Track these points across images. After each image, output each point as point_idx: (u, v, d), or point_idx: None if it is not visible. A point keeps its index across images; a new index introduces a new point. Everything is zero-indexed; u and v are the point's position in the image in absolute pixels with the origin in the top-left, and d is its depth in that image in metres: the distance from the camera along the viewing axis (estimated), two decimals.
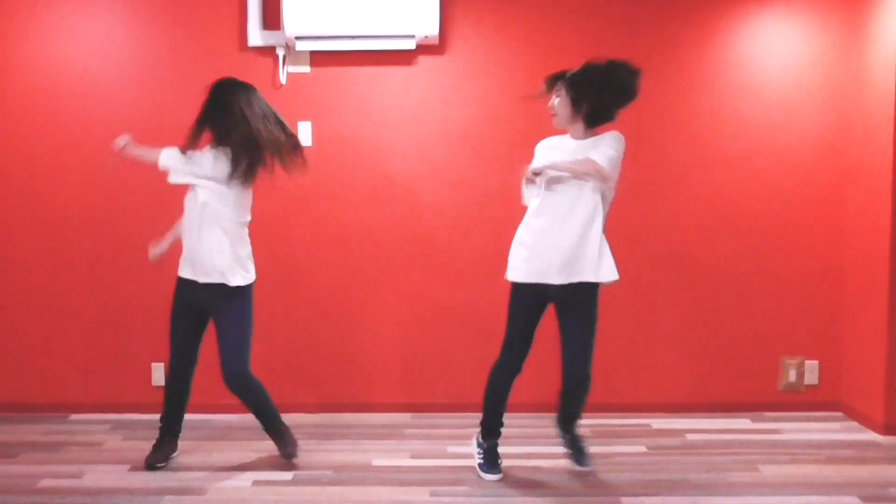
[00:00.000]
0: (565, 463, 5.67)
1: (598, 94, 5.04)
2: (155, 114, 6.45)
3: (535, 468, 5.61)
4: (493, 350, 6.59)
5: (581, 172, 4.95)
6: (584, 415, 5.60)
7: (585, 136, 5.13)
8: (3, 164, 6.68)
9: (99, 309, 6.74)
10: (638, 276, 6.60)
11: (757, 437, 6.25)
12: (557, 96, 5.13)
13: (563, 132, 5.23)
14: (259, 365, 6.43)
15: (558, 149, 5.15)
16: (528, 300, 5.27)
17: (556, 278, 5.08)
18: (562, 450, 5.79)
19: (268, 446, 5.90)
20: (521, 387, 6.63)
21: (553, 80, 5.17)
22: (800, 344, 6.78)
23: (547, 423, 6.18)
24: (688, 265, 6.67)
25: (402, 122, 6.65)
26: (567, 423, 5.57)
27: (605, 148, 4.98)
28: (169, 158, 5.37)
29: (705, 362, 6.75)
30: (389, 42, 6.44)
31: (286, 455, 5.64)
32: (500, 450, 5.72)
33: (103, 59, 6.61)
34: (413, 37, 6.40)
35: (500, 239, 6.42)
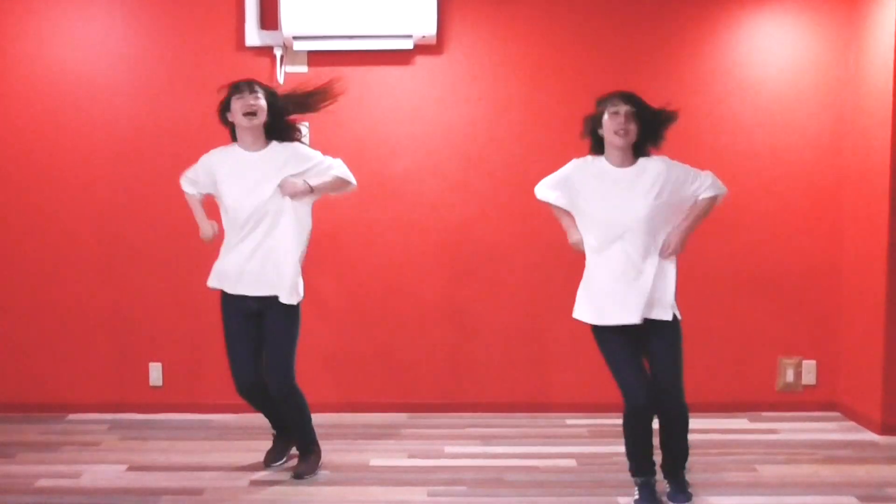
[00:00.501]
0: (562, 463, 5.68)
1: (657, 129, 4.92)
2: (153, 114, 6.45)
3: (532, 468, 5.59)
4: (491, 349, 6.61)
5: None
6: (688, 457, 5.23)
7: (627, 164, 4.87)
8: (5, 167, 6.68)
9: (97, 309, 6.73)
10: None
11: (754, 437, 6.25)
12: (627, 116, 4.76)
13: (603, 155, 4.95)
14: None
15: (607, 180, 4.85)
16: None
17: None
18: (559, 449, 5.85)
19: (265, 446, 5.89)
20: (518, 387, 6.66)
21: (626, 99, 4.80)
22: (797, 344, 6.78)
23: (544, 423, 6.21)
24: (685, 265, 6.62)
25: (400, 121, 6.65)
26: (669, 467, 5.17)
27: (693, 174, 4.98)
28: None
29: (703, 362, 6.71)
30: (387, 42, 6.43)
31: (296, 472, 5.52)
32: (499, 449, 5.80)
33: (101, 59, 6.61)
34: (410, 37, 6.40)
35: (498, 238, 6.44)
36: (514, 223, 6.55)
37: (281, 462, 5.67)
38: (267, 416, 5.68)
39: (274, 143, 5.34)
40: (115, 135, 6.54)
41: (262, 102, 5.24)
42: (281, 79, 6.53)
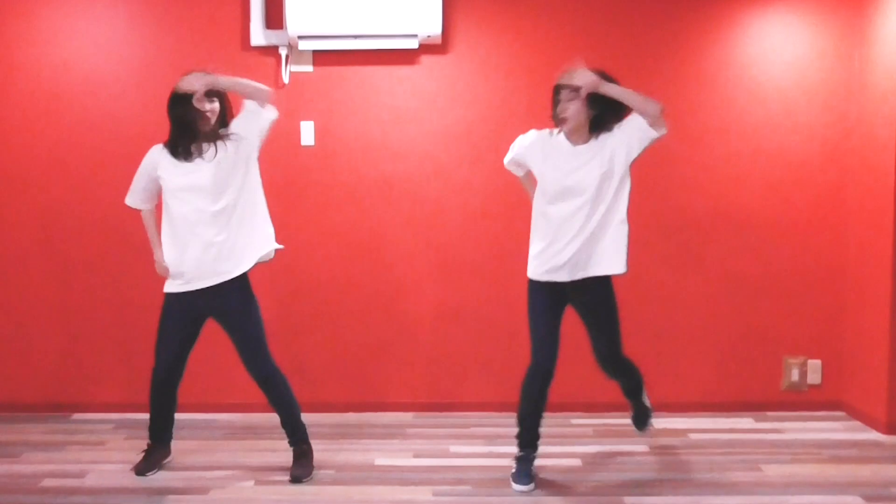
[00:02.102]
0: (567, 462, 5.68)
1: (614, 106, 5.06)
2: (157, 114, 6.40)
3: (538, 467, 5.53)
4: (495, 348, 6.61)
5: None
6: (643, 389, 5.80)
7: (581, 141, 5.14)
8: (6, 165, 6.68)
9: (102, 308, 6.73)
10: (639, 275, 6.56)
11: (759, 437, 6.23)
12: (570, 101, 5.04)
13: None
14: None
15: (562, 153, 5.16)
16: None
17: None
18: (564, 449, 5.89)
19: (270, 446, 5.95)
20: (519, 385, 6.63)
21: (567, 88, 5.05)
22: (802, 343, 6.77)
23: (549, 423, 6.15)
24: (690, 264, 6.65)
25: (405, 121, 6.64)
26: (629, 397, 5.79)
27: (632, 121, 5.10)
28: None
29: (708, 362, 6.75)
30: (392, 41, 6.42)
31: (293, 476, 5.48)
32: (504, 449, 5.76)
33: (106, 59, 6.61)
34: (416, 36, 6.39)
35: (504, 238, 6.45)
36: (518, 223, 6.52)
37: (154, 471, 5.55)
38: (156, 418, 5.65)
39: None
40: (121, 134, 6.54)
41: (217, 106, 5.33)
42: (286, 78, 6.54)
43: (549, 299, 5.26)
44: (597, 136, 5.11)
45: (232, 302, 5.35)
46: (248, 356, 5.43)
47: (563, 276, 5.15)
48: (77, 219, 6.68)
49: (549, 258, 5.15)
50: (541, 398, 5.34)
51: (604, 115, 5.07)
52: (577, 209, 5.08)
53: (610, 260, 5.14)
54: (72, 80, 6.61)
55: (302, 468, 5.45)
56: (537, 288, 5.28)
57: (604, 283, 5.24)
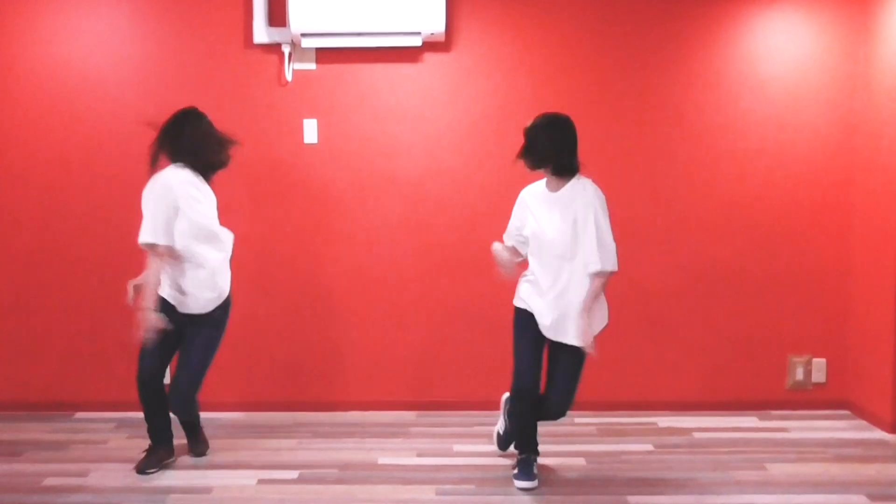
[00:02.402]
0: (571, 461, 5.67)
1: (555, 151, 5.15)
2: (160, 111, 6.39)
3: (541, 466, 5.54)
4: (499, 347, 6.58)
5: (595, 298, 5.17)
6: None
7: (558, 188, 5.21)
8: (9, 163, 6.66)
9: (104, 306, 6.70)
10: (643, 274, 6.58)
11: (764, 436, 6.22)
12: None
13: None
14: (264, 363, 6.43)
15: (543, 204, 5.27)
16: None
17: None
18: (568, 448, 5.89)
19: (273, 444, 5.94)
20: None
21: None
22: (807, 342, 6.74)
23: (553, 422, 6.16)
24: (694, 263, 6.63)
25: (408, 119, 6.62)
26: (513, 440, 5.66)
27: (595, 237, 5.08)
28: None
29: (712, 360, 6.73)
30: (395, 39, 6.41)
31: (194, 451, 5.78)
32: (508, 448, 5.75)
33: (108, 57, 6.59)
34: (419, 34, 6.37)
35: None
36: None
37: (155, 470, 5.54)
38: (149, 419, 5.62)
39: None
40: (123, 132, 6.52)
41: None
42: (289, 76, 6.52)
43: (533, 330, 5.32)
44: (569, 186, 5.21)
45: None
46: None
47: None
48: (79, 217, 6.66)
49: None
50: (530, 414, 5.42)
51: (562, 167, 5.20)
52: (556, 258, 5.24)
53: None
54: (73, 79, 6.59)
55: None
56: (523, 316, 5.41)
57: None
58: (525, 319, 5.32)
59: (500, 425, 5.79)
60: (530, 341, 5.30)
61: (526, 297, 5.33)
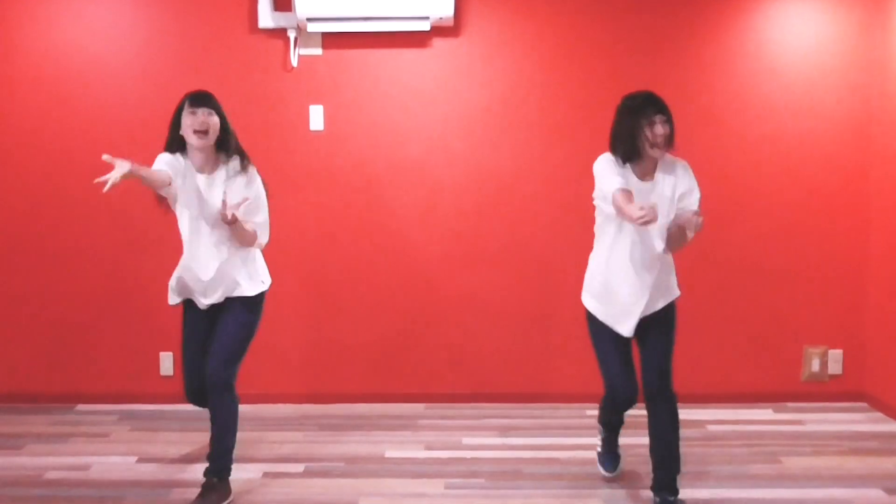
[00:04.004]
0: (582, 455, 5.62)
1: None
2: (164, 97, 6.35)
3: (552, 460, 5.54)
4: (509, 338, 6.53)
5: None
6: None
7: (648, 175, 4.72)
8: (10, 153, 6.62)
9: (107, 297, 6.68)
10: None
11: (779, 428, 6.18)
12: (664, 125, 4.63)
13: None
14: (271, 356, 6.37)
15: (632, 186, 4.64)
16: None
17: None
18: (578, 440, 5.85)
19: (279, 437, 5.91)
20: (537, 377, 6.57)
21: (659, 105, 4.67)
22: (823, 333, 6.69)
23: (563, 414, 6.14)
24: (708, 253, 6.57)
25: (416, 105, 6.56)
26: (659, 479, 4.89)
27: (695, 192, 4.80)
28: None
29: (727, 352, 6.69)
30: (403, 23, 6.34)
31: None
32: (517, 441, 5.77)
33: (111, 43, 6.54)
34: (427, 18, 6.31)
35: (517, 224, 6.40)
36: (532, 209, 6.47)
37: None
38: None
39: (226, 167, 4.97)
40: (126, 120, 6.48)
41: (215, 119, 4.86)
42: (295, 61, 6.46)
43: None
44: (662, 167, 4.74)
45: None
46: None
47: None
48: (81, 207, 6.62)
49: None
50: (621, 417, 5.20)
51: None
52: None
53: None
54: (76, 64, 6.54)
55: (202, 501, 4.93)
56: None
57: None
58: (601, 324, 4.87)
59: (600, 445, 5.40)
60: (617, 343, 4.85)
61: (597, 301, 4.90)
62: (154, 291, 6.52)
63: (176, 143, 4.95)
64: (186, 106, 4.86)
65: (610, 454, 5.29)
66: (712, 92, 6.50)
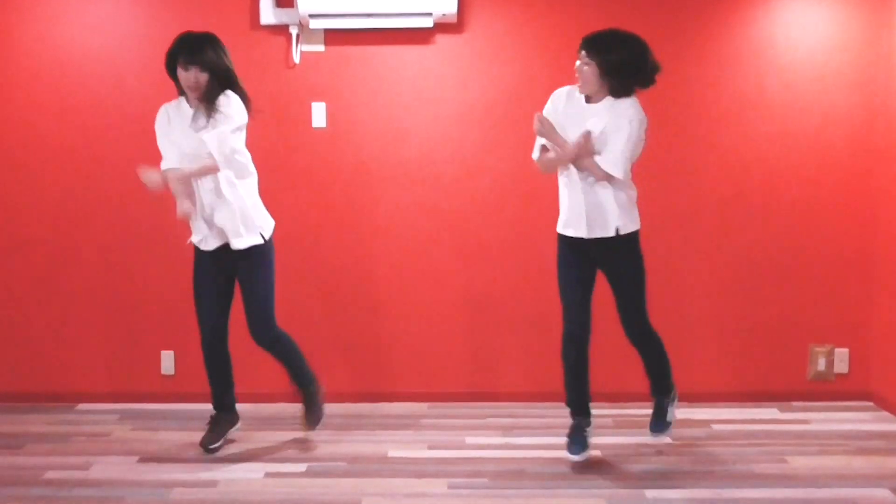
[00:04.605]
0: (587, 454, 5.56)
1: (630, 72, 5.12)
2: (164, 94, 6.31)
3: (556, 459, 5.49)
4: (512, 337, 6.50)
5: (584, 167, 5.17)
6: (670, 381, 5.69)
7: (595, 100, 5.22)
8: (10, 149, 6.59)
9: (107, 295, 6.65)
10: (661, 261, 6.47)
11: (785, 428, 6.15)
12: (586, 64, 5.12)
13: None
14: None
15: (573, 114, 5.25)
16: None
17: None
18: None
19: (280, 437, 5.89)
20: (541, 376, 6.55)
21: (592, 53, 5.12)
22: (829, 331, 6.65)
23: (565, 414, 6.07)
24: (712, 250, 6.55)
25: (419, 102, 6.53)
26: (652, 386, 5.71)
27: (622, 131, 5.10)
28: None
29: (731, 350, 6.66)
30: (406, 20, 6.31)
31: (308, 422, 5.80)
32: (521, 440, 5.77)
33: (111, 38, 6.51)
34: (430, 14, 6.28)
35: (521, 222, 6.38)
36: (535, 207, 6.43)
37: (219, 445, 5.62)
38: (213, 382, 5.74)
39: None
40: (125, 116, 6.47)
41: (204, 76, 5.23)
42: (297, 58, 6.43)
43: (573, 256, 5.38)
44: (614, 98, 5.17)
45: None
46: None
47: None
48: (80, 205, 6.59)
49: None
50: (579, 363, 5.46)
51: (620, 84, 5.15)
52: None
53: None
54: (75, 60, 6.51)
55: (314, 412, 5.82)
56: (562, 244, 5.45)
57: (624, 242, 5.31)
58: (565, 247, 5.39)
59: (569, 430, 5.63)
60: (570, 269, 5.39)
61: (562, 217, 5.38)
62: (155, 289, 6.54)
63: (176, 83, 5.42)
64: (179, 61, 5.25)
65: (577, 437, 5.46)
66: (716, 89, 6.48)
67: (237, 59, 6.19)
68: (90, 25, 6.48)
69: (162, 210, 6.42)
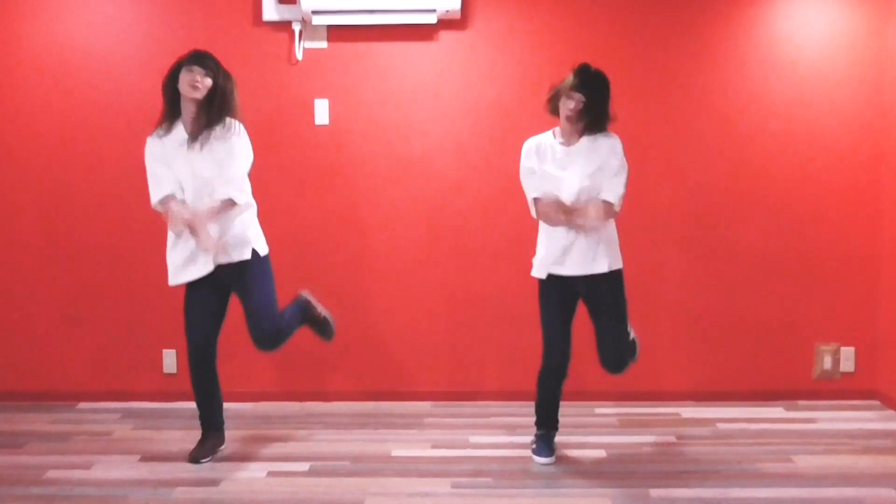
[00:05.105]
0: (591, 453, 5.58)
1: (604, 103, 5.23)
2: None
3: (560, 458, 5.48)
4: (515, 335, 6.48)
5: (594, 224, 5.21)
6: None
7: (575, 141, 5.27)
8: (10, 147, 6.58)
9: (109, 294, 6.64)
10: (666, 260, 6.47)
11: (790, 427, 6.11)
12: (575, 101, 5.17)
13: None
14: (275, 353, 6.31)
15: (551, 161, 5.31)
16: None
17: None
18: (587, 439, 5.82)
19: (283, 436, 5.89)
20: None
21: (577, 84, 5.19)
22: (835, 330, 6.62)
23: (572, 412, 6.09)
24: (718, 248, 6.53)
25: (423, 99, 6.51)
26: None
27: (623, 170, 5.23)
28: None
29: (736, 349, 6.63)
30: (410, 16, 6.30)
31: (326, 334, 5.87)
32: (525, 439, 5.72)
33: (113, 35, 6.49)
34: (434, 11, 6.26)
35: (525, 221, 6.30)
36: None
37: (207, 460, 5.52)
38: (200, 403, 5.64)
39: (212, 130, 5.24)
40: (127, 114, 6.44)
41: (208, 80, 5.17)
42: (300, 55, 6.41)
43: (558, 295, 5.40)
44: (590, 138, 5.25)
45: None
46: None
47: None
48: (82, 202, 6.58)
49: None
50: (559, 389, 5.54)
51: (594, 122, 5.23)
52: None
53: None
54: (77, 57, 6.50)
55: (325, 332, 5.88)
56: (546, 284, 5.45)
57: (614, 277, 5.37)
58: (548, 287, 5.39)
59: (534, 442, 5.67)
60: (556, 308, 5.39)
61: (541, 260, 5.39)
62: (156, 288, 6.49)
63: (170, 105, 5.31)
64: (185, 63, 5.18)
65: (544, 444, 5.53)
66: (722, 86, 6.45)
67: (240, 56, 6.23)
68: (92, 23, 6.47)
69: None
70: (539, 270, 5.38)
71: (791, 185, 6.51)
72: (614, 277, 5.30)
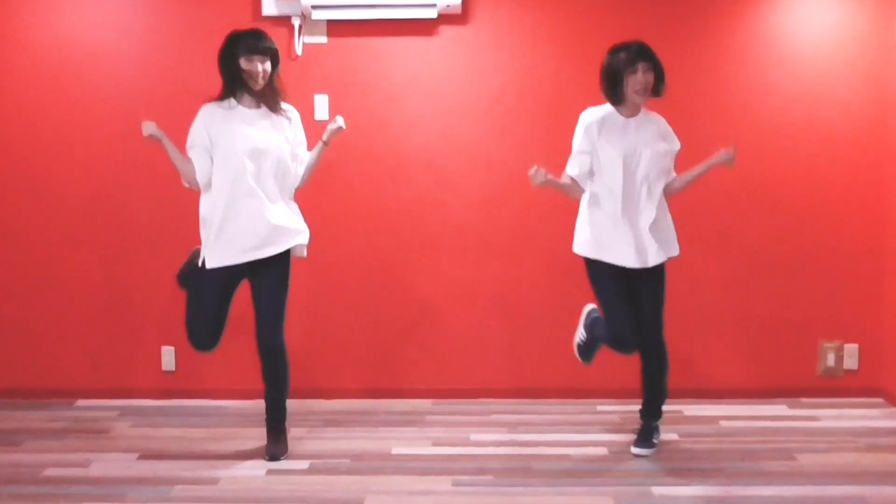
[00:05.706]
0: (593, 451, 5.57)
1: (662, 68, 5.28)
2: (164, 85, 6.31)
3: (562, 456, 5.46)
4: (517, 332, 6.45)
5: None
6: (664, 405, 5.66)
7: (635, 113, 5.32)
8: (8, 144, 6.55)
9: (107, 291, 6.62)
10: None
11: (794, 424, 6.09)
12: (644, 73, 5.18)
13: (596, 103, 5.40)
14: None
15: (620, 130, 5.28)
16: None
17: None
18: (589, 437, 5.81)
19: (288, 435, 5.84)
20: (547, 372, 6.49)
21: (642, 56, 5.20)
22: (839, 327, 6.60)
23: (574, 410, 6.08)
24: (721, 245, 6.51)
25: (423, 94, 6.49)
26: (645, 407, 5.67)
27: (671, 137, 5.45)
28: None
29: (740, 346, 6.61)
30: (410, 11, 6.28)
31: (269, 453, 5.50)
32: (526, 437, 5.73)
33: (112, 30, 6.46)
34: (435, 5, 6.24)
35: (527, 217, 6.35)
36: (541, 201, 6.38)
37: (287, 454, 5.52)
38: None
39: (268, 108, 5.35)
40: (125, 109, 6.42)
41: (268, 65, 5.25)
42: (299, 49, 6.39)
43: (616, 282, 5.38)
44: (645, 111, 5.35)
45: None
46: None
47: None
48: (83, 200, 6.56)
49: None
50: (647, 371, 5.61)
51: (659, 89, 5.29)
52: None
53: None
54: (74, 51, 6.47)
55: (278, 445, 5.51)
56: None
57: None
58: (604, 268, 5.32)
59: (579, 336, 5.72)
60: (619, 290, 5.33)
61: (598, 240, 5.32)
62: (155, 285, 6.49)
63: (231, 79, 5.28)
64: (245, 52, 5.17)
65: (639, 433, 5.60)
66: (724, 81, 6.44)
67: None
68: (91, 19, 6.44)
69: (162, 206, 6.40)
70: (592, 251, 5.34)
71: (795, 182, 6.49)
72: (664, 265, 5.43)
